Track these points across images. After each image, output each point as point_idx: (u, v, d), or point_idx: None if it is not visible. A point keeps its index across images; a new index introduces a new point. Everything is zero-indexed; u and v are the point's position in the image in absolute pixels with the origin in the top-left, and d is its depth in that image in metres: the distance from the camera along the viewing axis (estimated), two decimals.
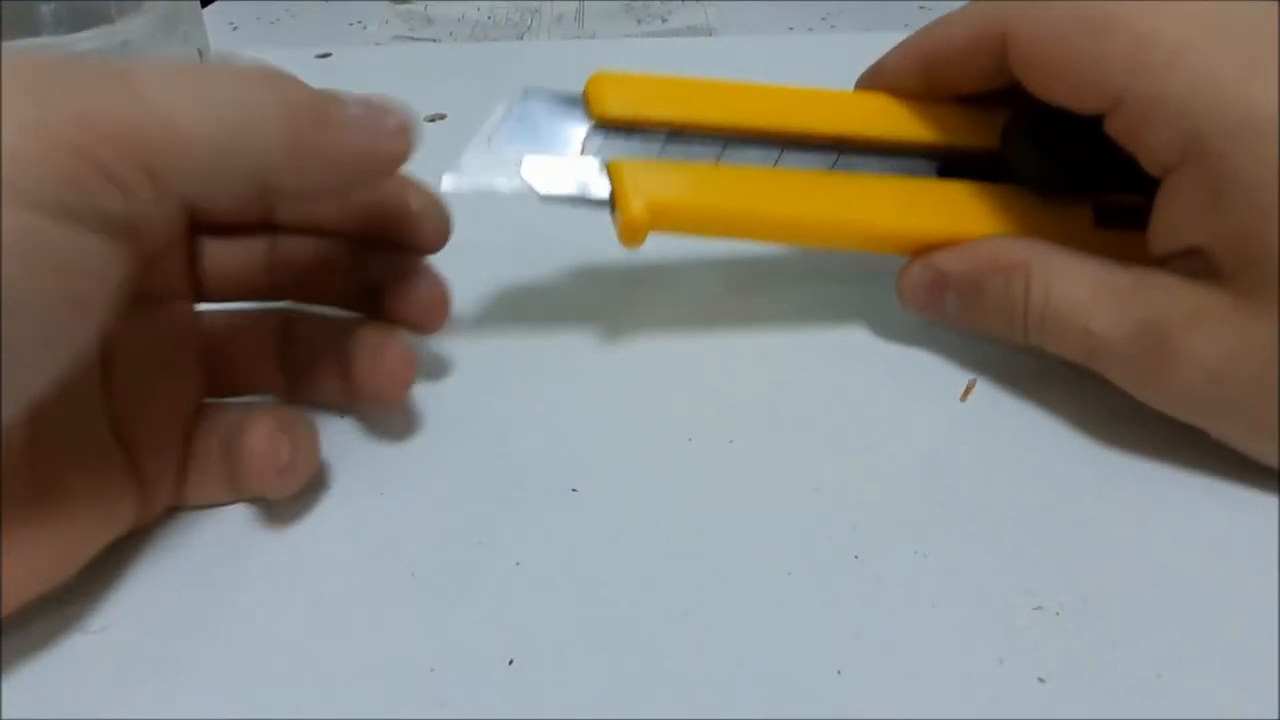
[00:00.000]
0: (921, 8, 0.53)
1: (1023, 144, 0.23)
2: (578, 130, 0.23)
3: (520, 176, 0.22)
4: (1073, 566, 0.19)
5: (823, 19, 0.52)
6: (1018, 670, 0.17)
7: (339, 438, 0.22)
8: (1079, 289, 0.21)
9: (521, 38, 0.51)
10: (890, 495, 0.21)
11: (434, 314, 0.22)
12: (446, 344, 0.25)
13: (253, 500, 0.20)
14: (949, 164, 0.25)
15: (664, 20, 0.53)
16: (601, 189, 0.22)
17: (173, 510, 0.20)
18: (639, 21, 0.53)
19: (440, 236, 0.22)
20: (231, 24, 0.54)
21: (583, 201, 0.22)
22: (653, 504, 0.21)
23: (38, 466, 0.17)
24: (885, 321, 0.26)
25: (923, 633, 0.18)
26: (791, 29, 0.51)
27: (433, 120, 0.40)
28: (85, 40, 0.34)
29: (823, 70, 0.43)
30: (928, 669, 0.17)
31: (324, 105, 0.17)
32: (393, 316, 0.22)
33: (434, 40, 0.51)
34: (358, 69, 0.45)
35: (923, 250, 0.24)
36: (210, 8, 0.56)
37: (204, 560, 0.19)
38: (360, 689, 0.17)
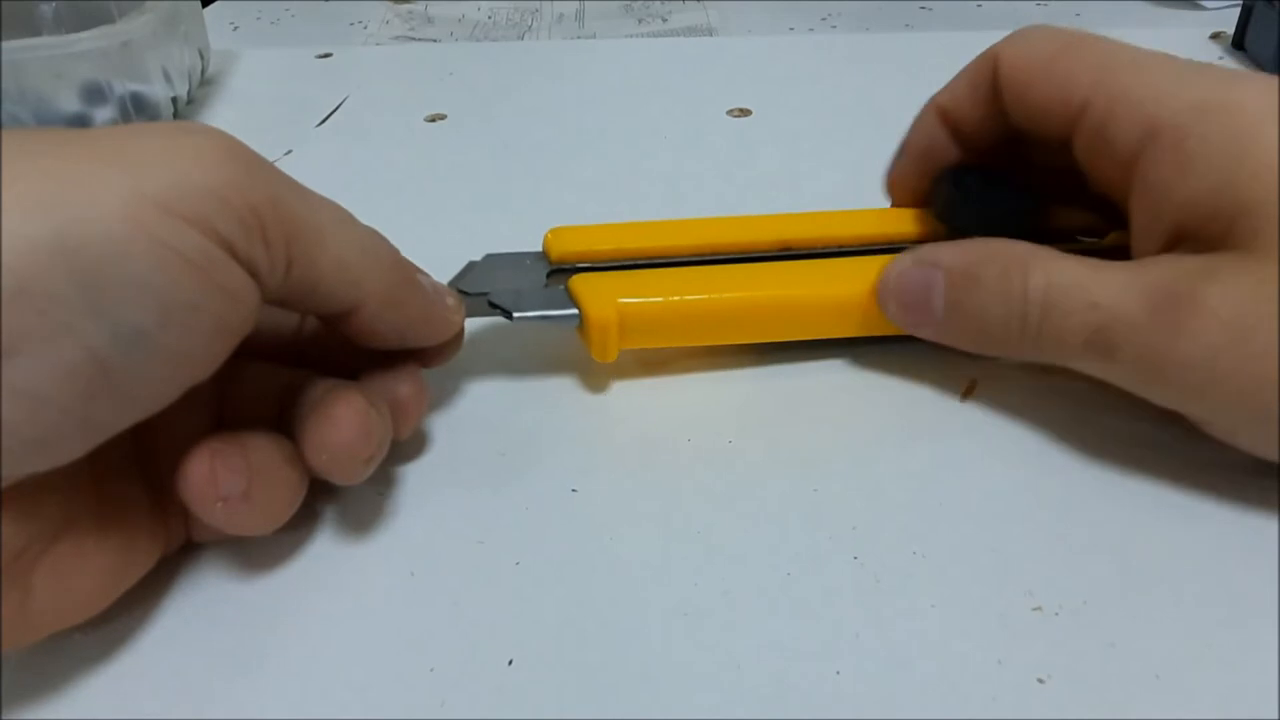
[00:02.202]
0: (922, 8, 0.53)
1: (943, 187, 0.25)
2: (539, 271, 0.25)
3: (490, 304, 0.23)
4: (1072, 567, 0.19)
5: (823, 19, 0.52)
6: (1017, 671, 0.17)
7: None
8: (1081, 271, 0.20)
9: (522, 38, 0.51)
10: (890, 496, 0.21)
11: (404, 421, 0.20)
12: None
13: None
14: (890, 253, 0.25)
15: (664, 20, 0.53)
16: (569, 306, 0.23)
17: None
18: (640, 22, 0.53)
19: (440, 362, 0.22)
20: (232, 24, 0.54)
21: (553, 319, 0.23)
22: (652, 504, 0.21)
23: (72, 501, 0.17)
24: (877, 342, 0.26)
25: (922, 633, 0.18)
26: (792, 29, 0.51)
27: (433, 120, 0.40)
28: (87, 40, 0.34)
29: (824, 70, 0.43)
30: (927, 670, 0.17)
31: (413, 271, 0.20)
32: None
33: (434, 40, 0.51)
34: (358, 69, 0.45)
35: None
36: (211, 8, 0.56)
37: (202, 559, 0.19)
38: (360, 688, 0.17)
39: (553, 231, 0.25)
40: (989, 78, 0.24)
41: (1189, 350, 0.18)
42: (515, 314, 0.23)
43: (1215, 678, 0.17)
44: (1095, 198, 0.26)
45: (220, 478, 0.17)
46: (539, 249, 0.25)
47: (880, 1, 0.54)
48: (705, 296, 0.23)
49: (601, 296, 0.23)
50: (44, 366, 0.14)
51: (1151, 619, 0.18)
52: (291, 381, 0.20)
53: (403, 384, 0.20)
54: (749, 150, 0.37)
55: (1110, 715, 0.16)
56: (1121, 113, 0.21)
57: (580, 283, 0.23)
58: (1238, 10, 0.43)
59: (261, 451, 0.18)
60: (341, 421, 0.18)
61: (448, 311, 0.21)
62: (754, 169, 0.35)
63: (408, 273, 0.20)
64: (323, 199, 0.18)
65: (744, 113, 0.40)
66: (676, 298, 0.23)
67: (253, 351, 0.20)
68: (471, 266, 0.24)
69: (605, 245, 0.25)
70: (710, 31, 0.51)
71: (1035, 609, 0.18)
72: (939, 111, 0.25)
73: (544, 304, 0.23)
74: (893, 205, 0.27)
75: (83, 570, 0.17)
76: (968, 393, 0.24)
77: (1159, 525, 0.20)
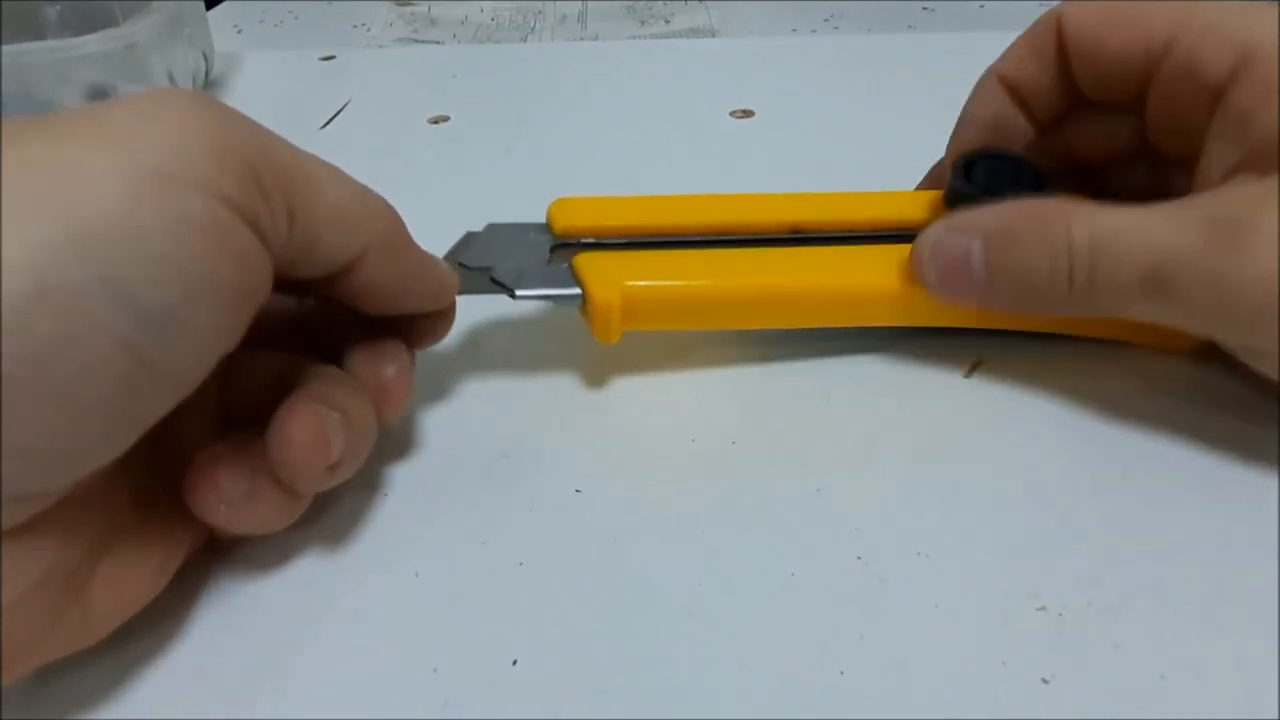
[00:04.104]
0: (925, 8, 0.53)
1: (952, 173, 0.24)
2: (543, 245, 0.24)
3: (492, 280, 0.23)
4: (1076, 568, 0.19)
5: (825, 20, 0.52)
6: (1021, 672, 0.17)
7: None
8: (1125, 215, 0.20)
9: (525, 39, 0.51)
10: (893, 496, 0.21)
11: (388, 405, 0.20)
12: (450, 346, 0.25)
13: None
14: (899, 240, 0.25)
15: (667, 22, 0.53)
16: (572, 286, 0.23)
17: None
18: (642, 23, 0.53)
19: (430, 342, 0.22)
20: (236, 26, 0.54)
21: (555, 298, 0.23)
22: (655, 505, 0.21)
23: (116, 512, 0.17)
24: (880, 330, 0.26)
25: (926, 634, 0.18)
26: (795, 30, 0.51)
27: (436, 122, 0.40)
28: (91, 43, 0.34)
29: (827, 71, 0.43)
30: (931, 670, 0.17)
31: (408, 233, 0.20)
32: None
33: (437, 42, 0.52)
34: (362, 71, 0.45)
35: (905, 307, 0.24)
36: (215, 10, 0.57)
37: (205, 560, 0.19)
38: (364, 688, 0.17)
39: (557, 203, 0.25)
40: (1052, 39, 0.24)
41: (1251, 272, 0.18)
42: (518, 292, 0.23)
43: (1220, 679, 0.17)
44: (1125, 170, 0.26)
45: (223, 482, 0.17)
46: (542, 220, 0.25)
47: (882, 2, 0.54)
48: (711, 282, 0.23)
49: (605, 277, 0.22)
50: (79, 368, 0.13)
51: (1156, 620, 0.18)
52: (289, 370, 0.20)
53: (388, 365, 0.20)
54: (752, 151, 0.37)
55: (1115, 716, 0.16)
56: (1213, 43, 0.21)
57: (584, 261, 0.23)
58: None
59: (263, 452, 0.18)
60: (295, 438, 0.17)
61: (444, 274, 0.21)
62: (756, 170, 0.35)
63: (403, 223, 0.20)
64: (310, 154, 0.18)
65: (747, 114, 0.40)
66: (681, 282, 0.23)
67: (252, 340, 0.21)
68: (471, 237, 0.24)
69: (610, 220, 0.24)
70: (712, 33, 0.51)
71: (1040, 609, 0.18)
72: (1001, 79, 0.25)
73: (547, 282, 0.23)
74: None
75: (132, 574, 0.17)
76: (973, 369, 0.24)
77: (1163, 526, 0.20)
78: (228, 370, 0.20)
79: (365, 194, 0.19)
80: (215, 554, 0.20)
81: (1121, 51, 0.22)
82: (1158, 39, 0.22)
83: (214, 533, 0.19)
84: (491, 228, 0.24)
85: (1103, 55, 0.23)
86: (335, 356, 0.20)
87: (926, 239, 0.22)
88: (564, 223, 0.24)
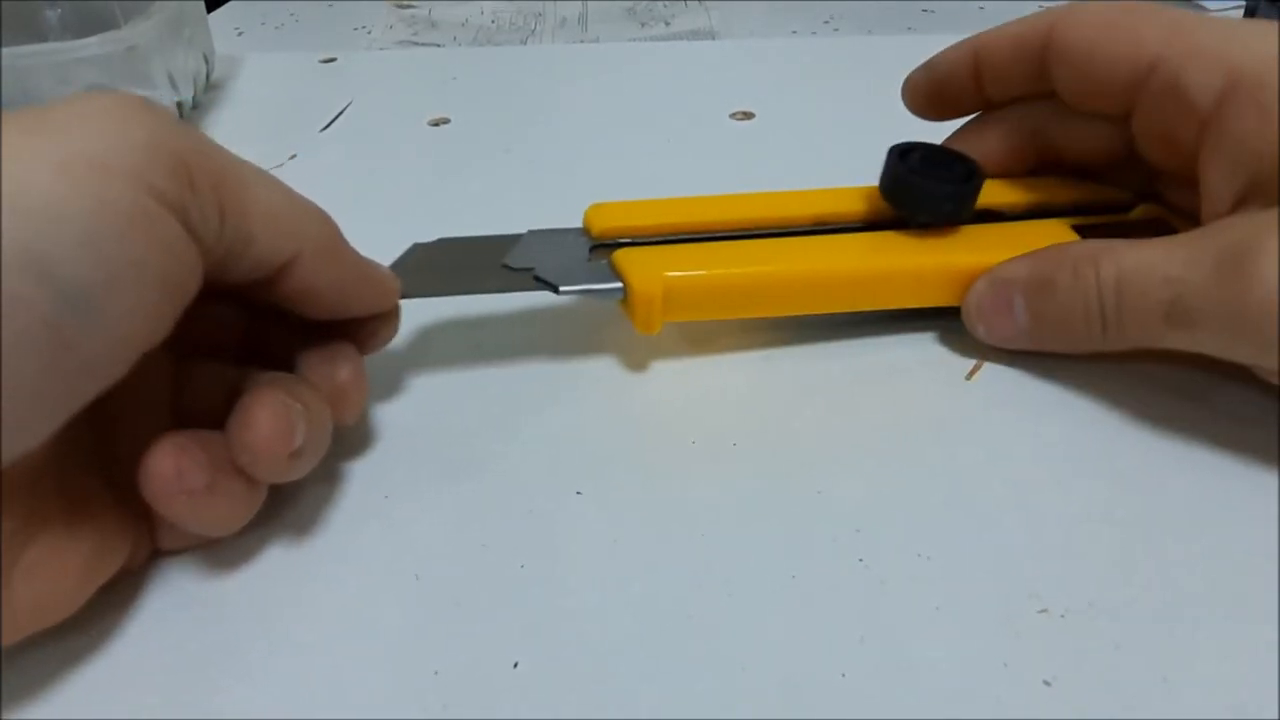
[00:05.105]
0: (925, 10, 0.53)
1: (887, 162, 0.25)
2: (582, 246, 0.25)
3: (535, 279, 0.24)
4: (1077, 569, 0.19)
5: (825, 22, 0.52)
6: (1023, 673, 0.17)
7: (342, 441, 0.22)
8: (1147, 252, 0.21)
9: (525, 42, 0.52)
10: (894, 498, 0.21)
11: (345, 406, 0.20)
12: (451, 346, 0.25)
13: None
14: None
15: (667, 24, 0.53)
16: (613, 279, 0.24)
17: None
18: (642, 25, 0.53)
19: (377, 344, 0.22)
20: (236, 29, 0.54)
21: (598, 293, 0.24)
22: (656, 507, 0.21)
23: (40, 504, 0.16)
24: (886, 328, 0.26)
25: (927, 636, 0.18)
26: (795, 32, 0.51)
27: (437, 125, 0.40)
28: (92, 45, 0.34)
29: (827, 73, 0.43)
30: (932, 672, 0.17)
31: (343, 238, 0.20)
32: None
33: (438, 45, 0.52)
34: (362, 73, 0.46)
35: (943, 288, 0.24)
36: (215, 12, 0.57)
37: (205, 561, 0.19)
38: (364, 691, 0.17)
39: (593, 208, 0.26)
40: (1038, 42, 0.24)
41: (1261, 297, 0.19)
42: (561, 288, 0.23)
43: (1221, 681, 0.17)
44: (1118, 174, 0.26)
45: (185, 471, 0.17)
46: (579, 225, 0.26)
47: (882, 3, 0.54)
48: (748, 270, 0.24)
49: (646, 270, 0.23)
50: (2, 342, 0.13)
51: (1158, 621, 0.18)
52: (240, 381, 0.20)
53: (341, 368, 0.20)
54: (752, 153, 0.37)
55: (1117, 717, 0.16)
56: (1200, 65, 0.21)
57: (624, 257, 0.24)
58: (1241, 11, 0.43)
59: (221, 448, 0.18)
60: (257, 422, 0.18)
61: (385, 278, 0.21)
62: (757, 172, 0.35)
63: (338, 229, 0.20)
64: (246, 161, 0.18)
65: (747, 116, 0.40)
66: (720, 271, 0.24)
67: (202, 352, 0.21)
68: (415, 249, 0.24)
69: (644, 220, 0.25)
70: (712, 34, 0.51)
71: (1041, 611, 0.18)
72: (974, 52, 0.26)
73: (589, 278, 0.24)
74: (905, 103, 0.28)
75: (59, 570, 0.17)
76: (974, 372, 0.24)
77: (1164, 527, 0.20)
78: (179, 381, 0.20)
79: (298, 199, 0.19)
80: (210, 551, 0.20)
81: (1109, 67, 0.23)
82: (1144, 57, 0.22)
83: (157, 544, 0.19)
84: (532, 234, 0.25)
85: (1091, 68, 0.23)
86: (286, 367, 0.20)
87: (972, 296, 0.24)
88: (601, 225, 0.25)
